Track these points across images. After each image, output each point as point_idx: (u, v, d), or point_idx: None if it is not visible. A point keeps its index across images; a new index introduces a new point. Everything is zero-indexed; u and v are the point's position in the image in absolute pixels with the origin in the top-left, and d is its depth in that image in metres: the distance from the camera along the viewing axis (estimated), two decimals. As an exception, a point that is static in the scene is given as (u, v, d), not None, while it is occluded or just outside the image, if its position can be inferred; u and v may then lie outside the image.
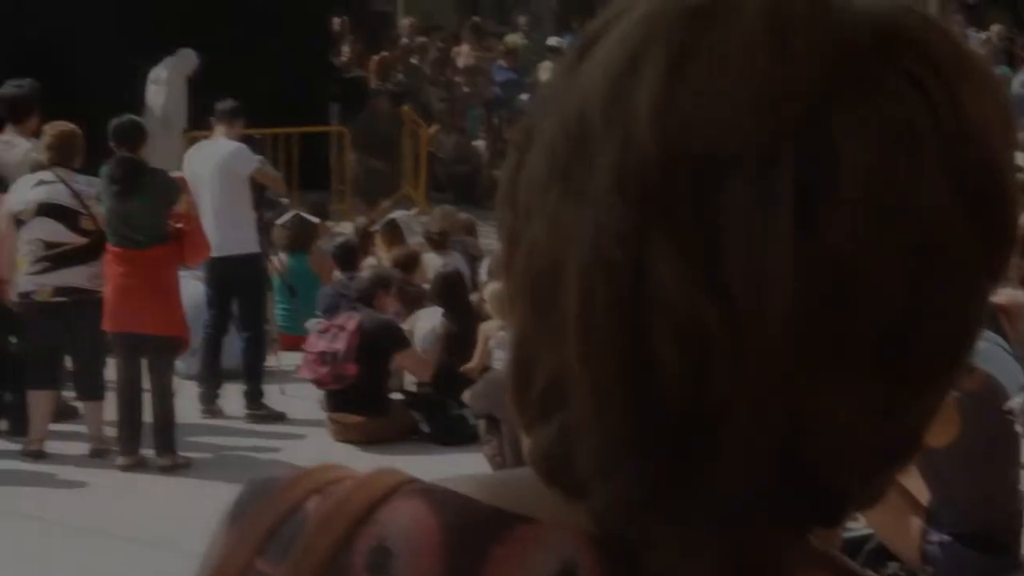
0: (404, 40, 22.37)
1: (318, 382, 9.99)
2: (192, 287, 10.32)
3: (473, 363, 10.00)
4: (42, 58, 13.43)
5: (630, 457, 0.79)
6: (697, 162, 0.78)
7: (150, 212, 9.07)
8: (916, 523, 5.41)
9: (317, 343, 9.97)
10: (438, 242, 12.33)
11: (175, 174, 9.85)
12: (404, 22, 23.15)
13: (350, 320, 9.94)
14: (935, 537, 5.39)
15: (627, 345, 0.78)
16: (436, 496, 0.89)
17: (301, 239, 12.51)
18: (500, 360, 9.80)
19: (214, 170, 10.43)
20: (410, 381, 10.55)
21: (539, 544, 0.86)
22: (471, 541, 0.87)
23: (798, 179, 0.77)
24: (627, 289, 0.78)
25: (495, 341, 9.87)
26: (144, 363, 9.17)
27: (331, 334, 9.93)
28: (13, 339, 9.76)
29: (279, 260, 11.88)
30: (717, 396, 0.78)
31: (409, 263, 11.48)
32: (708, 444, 0.78)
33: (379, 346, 9.88)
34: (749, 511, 0.79)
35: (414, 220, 13.35)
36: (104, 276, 9.11)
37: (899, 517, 5.36)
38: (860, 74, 0.79)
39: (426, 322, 10.57)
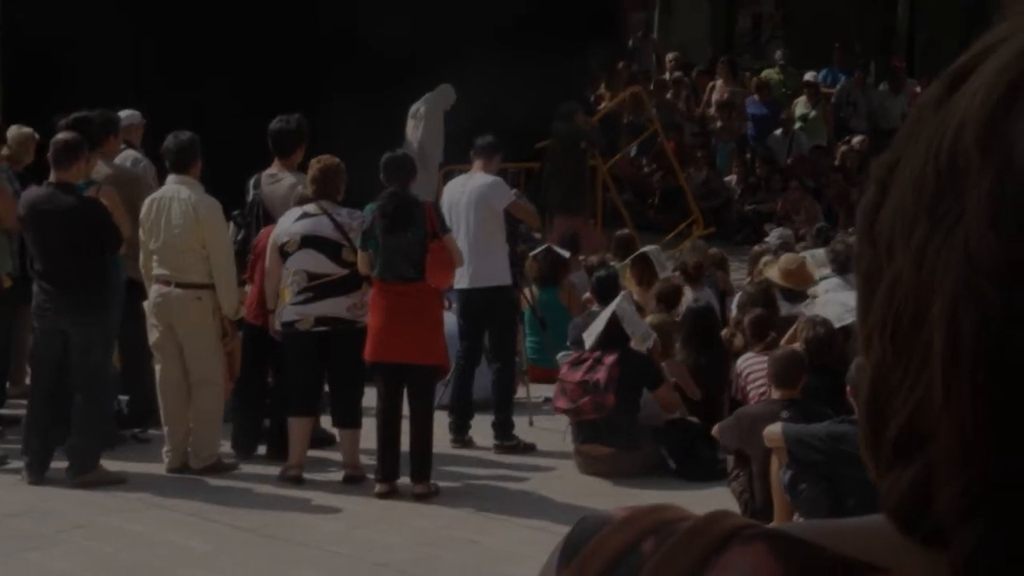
0: (660, 75, 22.41)
1: (577, 411, 9.93)
2: (445, 319, 10.50)
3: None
4: (298, 101, 13.84)
5: (999, 504, 0.75)
6: None
7: (420, 246, 9.22)
8: None
9: (573, 373, 9.97)
10: (693, 276, 12.28)
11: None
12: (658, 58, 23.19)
13: (608, 353, 9.96)
14: None
15: (997, 384, 0.75)
16: (779, 542, 0.86)
17: (552, 272, 12.64)
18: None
19: (470, 203, 10.61)
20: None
21: None
22: None
23: None
24: (998, 327, 0.74)
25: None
26: (404, 392, 9.32)
27: (588, 364, 9.94)
28: (273, 367, 10.07)
29: (530, 292, 11.99)
30: None
31: (673, 297, 11.47)
32: None
33: (635, 381, 9.90)
34: None
35: (664, 255, 13.33)
36: (370, 307, 9.31)
37: None
38: None
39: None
